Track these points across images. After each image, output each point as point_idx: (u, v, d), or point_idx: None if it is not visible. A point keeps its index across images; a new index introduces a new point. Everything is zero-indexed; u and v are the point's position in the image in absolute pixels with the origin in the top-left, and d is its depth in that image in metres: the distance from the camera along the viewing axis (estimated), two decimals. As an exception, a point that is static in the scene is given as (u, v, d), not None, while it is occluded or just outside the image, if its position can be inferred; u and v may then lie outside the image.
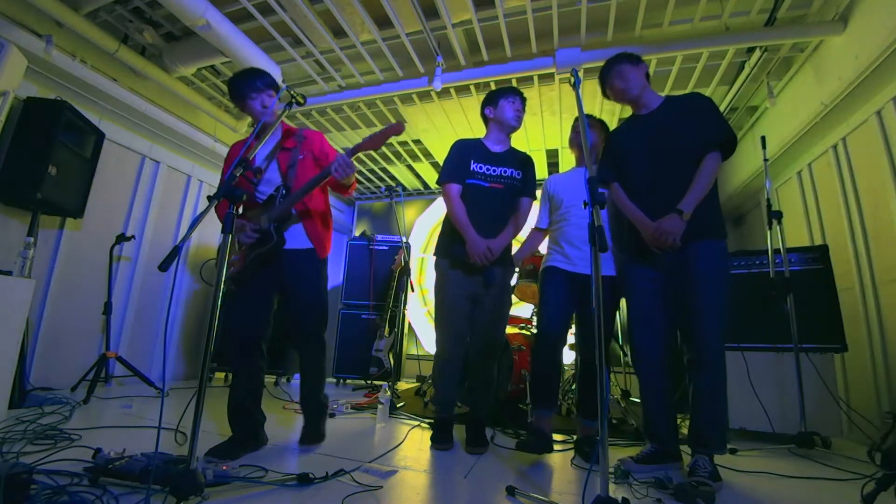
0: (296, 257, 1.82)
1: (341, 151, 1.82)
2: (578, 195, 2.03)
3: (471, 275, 1.99)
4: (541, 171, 4.48)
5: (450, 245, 2.05)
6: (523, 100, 2.08)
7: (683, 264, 1.64)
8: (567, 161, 4.49)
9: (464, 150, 2.07)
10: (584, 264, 1.96)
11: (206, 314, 3.99)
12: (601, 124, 2.25)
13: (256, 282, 1.81)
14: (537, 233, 2.23)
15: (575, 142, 2.20)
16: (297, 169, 1.83)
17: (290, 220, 1.82)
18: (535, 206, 2.21)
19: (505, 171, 2.04)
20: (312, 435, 1.89)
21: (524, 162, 2.10)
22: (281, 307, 1.90)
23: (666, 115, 1.79)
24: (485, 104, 2.12)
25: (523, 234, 2.24)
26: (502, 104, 2.05)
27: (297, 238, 1.84)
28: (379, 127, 4.24)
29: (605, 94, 1.93)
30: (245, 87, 1.79)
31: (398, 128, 1.71)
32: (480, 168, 2.03)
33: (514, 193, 2.05)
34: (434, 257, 2.15)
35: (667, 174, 1.71)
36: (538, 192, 2.21)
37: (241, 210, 1.89)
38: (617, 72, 1.84)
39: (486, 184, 2.02)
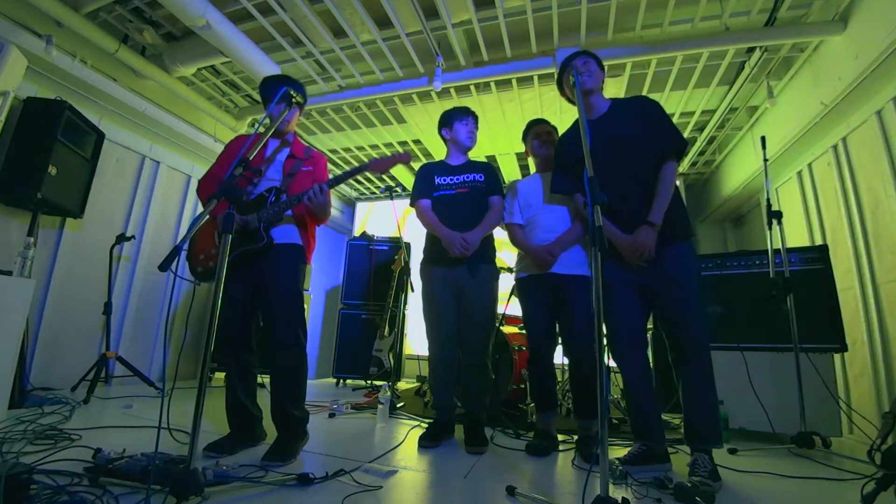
0: (282, 250, 1.79)
1: (350, 159, 1.80)
2: (545, 199, 2.10)
3: (452, 268, 2.07)
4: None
5: (430, 249, 2.19)
6: (475, 119, 2.24)
7: (657, 269, 1.66)
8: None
9: (427, 171, 2.24)
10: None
11: (207, 314, 3.99)
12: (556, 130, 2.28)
13: (237, 278, 1.76)
14: (519, 229, 2.15)
15: (534, 153, 2.22)
16: (296, 177, 1.86)
17: (281, 222, 1.81)
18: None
19: (467, 177, 2.17)
20: (279, 452, 1.59)
21: (484, 167, 2.22)
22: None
23: (615, 121, 1.79)
24: (441, 126, 2.26)
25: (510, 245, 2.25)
26: (457, 126, 2.20)
27: (287, 235, 1.83)
28: (379, 127, 4.28)
29: (561, 92, 1.95)
30: (270, 91, 1.82)
31: (405, 157, 1.83)
32: (444, 180, 2.18)
33: (480, 194, 2.15)
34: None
35: (623, 183, 1.70)
36: (506, 197, 2.24)
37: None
38: (569, 68, 1.80)
39: (453, 191, 2.15)
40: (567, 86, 1.86)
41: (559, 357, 2.15)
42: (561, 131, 2.15)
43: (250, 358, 1.82)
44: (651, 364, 1.80)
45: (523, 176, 2.97)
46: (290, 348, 1.74)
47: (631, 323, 1.74)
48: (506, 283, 3.36)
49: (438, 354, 2.12)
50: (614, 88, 3.46)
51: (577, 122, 1.85)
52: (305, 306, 2.53)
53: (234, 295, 1.76)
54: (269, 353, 1.74)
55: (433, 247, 2.16)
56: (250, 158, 1.43)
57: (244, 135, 2.00)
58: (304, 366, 1.79)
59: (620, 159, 1.72)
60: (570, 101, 1.92)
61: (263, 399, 1.88)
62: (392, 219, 5.40)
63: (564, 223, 2.03)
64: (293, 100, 1.76)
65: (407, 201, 2.35)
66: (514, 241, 2.15)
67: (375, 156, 4.98)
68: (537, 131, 2.23)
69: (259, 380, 2.03)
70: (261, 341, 1.86)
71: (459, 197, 2.13)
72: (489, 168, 2.22)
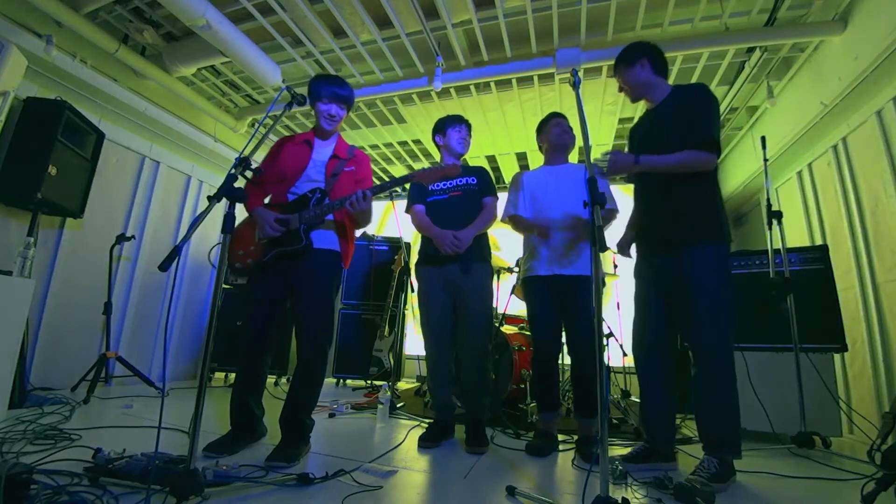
0: (320, 256, 1.80)
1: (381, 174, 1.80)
2: (552, 194, 2.12)
3: (444, 266, 2.08)
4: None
5: (423, 250, 2.22)
6: (468, 126, 2.28)
7: (680, 271, 1.64)
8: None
9: None
10: (558, 264, 2.02)
11: (206, 313, 3.99)
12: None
13: (270, 280, 1.79)
14: (521, 218, 2.17)
15: (552, 141, 2.21)
16: (339, 178, 1.87)
17: (322, 225, 1.82)
18: (502, 206, 2.24)
19: (460, 181, 2.19)
20: (285, 453, 1.59)
21: (476, 171, 2.24)
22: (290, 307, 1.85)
23: (662, 112, 1.78)
24: (434, 132, 2.29)
25: (503, 241, 2.24)
26: (450, 132, 2.23)
27: (326, 240, 1.84)
28: (379, 127, 4.27)
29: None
30: (321, 89, 1.85)
31: (453, 169, 1.83)
32: (437, 186, 2.20)
33: (474, 197, 2.17)
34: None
35: (648, 177, 1.70)
36: (510, 189, 2.28)
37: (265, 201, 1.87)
38: (617, 76, 1.89)
39: (446, 196, 2.17)
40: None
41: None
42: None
43: (265, 358, 1.83)
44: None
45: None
46: (314, 360, 1.76)
47: (651, 321, 1.74)
48: (506, 282, 3.37)
49: (435, 354, 2.12)
50: (614, 88, 3.46)
51: (647, 111, 1.89)
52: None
53: (261, 295, 1.79)
54: (298, 362, 1.78)
55: (426, 247, 2.19)
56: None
57: (287, 136, 2.00)
58: (323, 378, 1.81)
59: (650, 151, 1.70)
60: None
61: (265, 399, 1.89)
62: (390, 218, 5.41)
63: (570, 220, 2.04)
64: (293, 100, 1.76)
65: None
66: (518, 227, 2.19)
67: (375, 155, 4.98)
68: (558, 121, 2.24)
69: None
70: (277, 343, 1.87)
71: (453, 200, 2.15)
72: (481, 171, 2.26)
